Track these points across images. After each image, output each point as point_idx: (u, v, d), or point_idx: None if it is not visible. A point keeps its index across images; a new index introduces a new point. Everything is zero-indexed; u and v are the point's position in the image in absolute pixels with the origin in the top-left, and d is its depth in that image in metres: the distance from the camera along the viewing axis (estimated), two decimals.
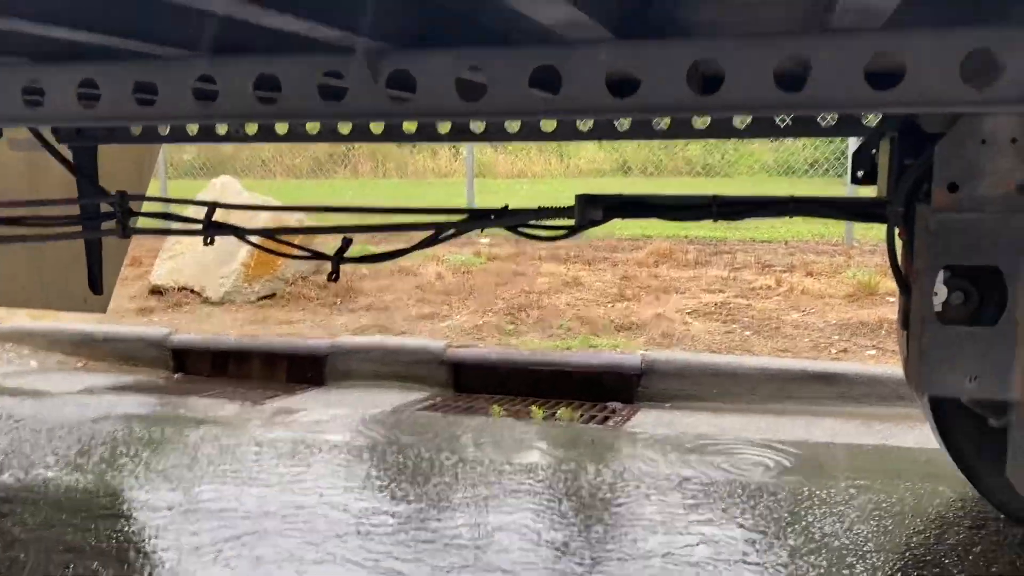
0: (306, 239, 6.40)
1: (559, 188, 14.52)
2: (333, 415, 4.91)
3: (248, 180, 13.56)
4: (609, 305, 6.90)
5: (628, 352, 5.61)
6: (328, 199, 13.07)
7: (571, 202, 1.97)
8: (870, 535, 3.35)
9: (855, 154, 2.73)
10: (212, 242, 2.44)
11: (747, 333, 6.14)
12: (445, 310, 6.69)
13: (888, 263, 1.77)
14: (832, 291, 6.77)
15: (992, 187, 1.40)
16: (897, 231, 1.72)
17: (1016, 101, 1.35)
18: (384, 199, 12.85)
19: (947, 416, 3.13)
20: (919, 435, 3.88)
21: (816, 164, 14.14)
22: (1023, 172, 1.39)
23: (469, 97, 1.58)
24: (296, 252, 2.49)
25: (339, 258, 2.22)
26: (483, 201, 12.19)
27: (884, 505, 3.61)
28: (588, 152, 18.02)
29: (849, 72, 1.40)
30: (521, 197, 12.53)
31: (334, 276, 2.19)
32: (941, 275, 1.51)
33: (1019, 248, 1.40)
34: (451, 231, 2.09)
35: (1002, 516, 3.31)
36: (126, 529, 2.93)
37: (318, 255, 2.38)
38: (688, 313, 6.65)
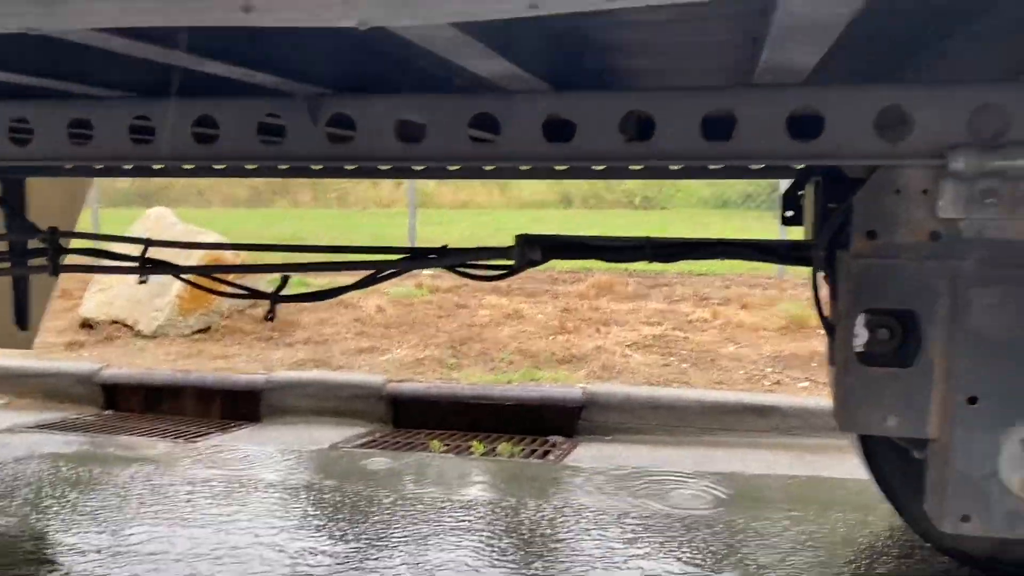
0: (243, 275, 6.31)
1: (502, 220, 14.61)
2: (269, 452, 4.82)
3: (184, 209, 13.32)
4: (551, 338, 6.95)
5: (569, 385, 5.65)
6: (267, 229, 12.92)
7: (512, 235, 1.99)
8: (804, 566, 3.42)
9: (784, 196, 2.82)
10: (146, 281, 2.40)
11: (685, 365, 6.25)
12: (385, 344, 6.65)
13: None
14: (766, 324, 6.94)
15: (907, 235, 1.47)
16: (822, 274, 1.79)
17: (926, 155, 1.43)
18: (324, 230, 12.75)
19: (874, 448, 3.24)
20: (850, 466, 3.98)
21: (751, 197, 14.52)
22: (935, 221, 1.47)
23: (409, 141, 1.60)
24: (232, 290, 2.47)
25: (276, 297, 2.21)
26: (425, 232, 12.19)
27: (817, 536, 3.69)
28: (531, 184, 18.20)
29: (772, 124, 1.47)
30: (463, 228, 12.57)
31: (271, 316, 2.17)
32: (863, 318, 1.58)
33: (933, 293, 1.48)
34: (390, 271, 2.10)
35: (928, 545, 3.42)
36: (52, 575, 2.83)
37: (255, 293, 2.36)
38: (628, 346, 6.73)
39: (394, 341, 6.72)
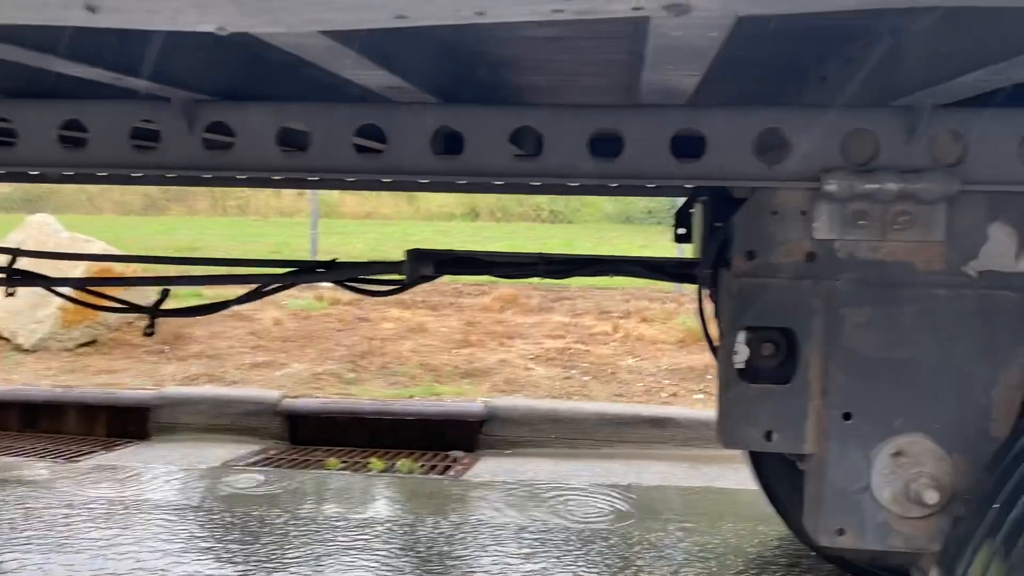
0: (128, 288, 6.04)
1: (408, 231, 14.50)
2: (156, 471, 4.61)
3: (72, 216, 12.70)
4: (454, 351, 6.90)
5: (470, 400, 5.62)
6: (160, 238, 12.44)
7: (417, 247, 1.95)
8: None
9: (677, 213, 2.88)
10: (14, 293, 2.25)
11: (586, 378, 6.30)
12: (282, 358, 6.47)
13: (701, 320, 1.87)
14: (664, 337, 7.08)
15: (785, 255, 1.51)
16: (707, 292, 1.82)
17: (802, 177, 1.47)
18: (222, 240, 12.36)
19: (762, 461, 3.33)
20: (742, 476, 4.09)
21: (652, 212, 14.85)
22: (811, 242, 1.51)
23: (290, 152, 1.55)
24: (110, 304, 2.34)
25: (155, 311, 2.10)
26: (328, 243, 11.96)
27: (709, 546, 3.77)
28: (438, 196, 18.12)
29: (657, 145, 1.48)
30: (368, 240, 12.40)
31: (150, 330, 2.07)
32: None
33: (809, 312, 1.52)
34: (276, 285, 2.03)
35: (813, 553, 3.54)
36: None
37: (133, 307, 2.25)
38: (531, 359, 6.75)
39: (291, 355, 6.55)
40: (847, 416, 1.54)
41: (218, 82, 1.62)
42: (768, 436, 1.57)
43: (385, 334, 7.15)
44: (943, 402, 1.51)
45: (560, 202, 17.71)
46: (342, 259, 2.07)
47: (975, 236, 1.49)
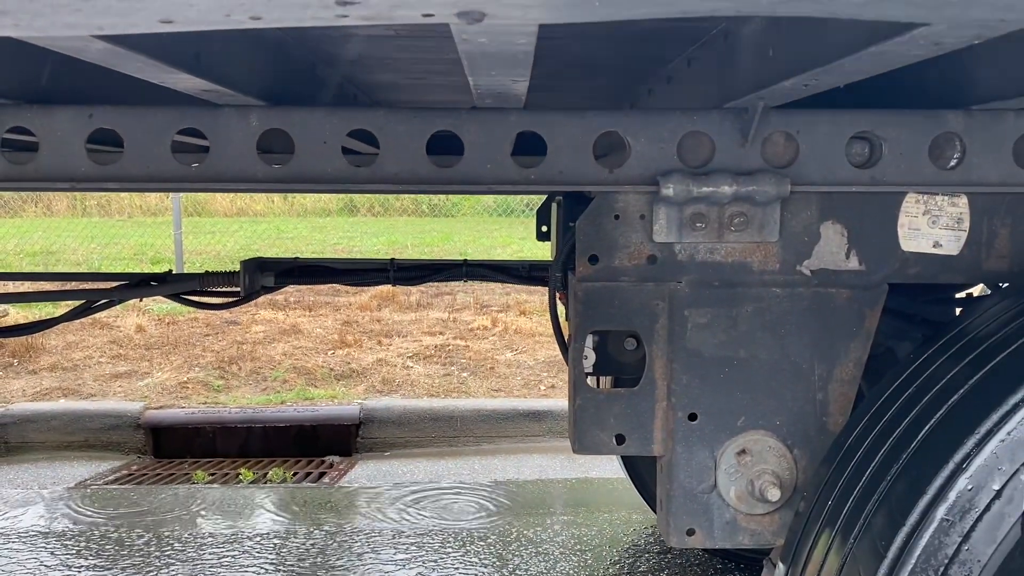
0: None
1: (282, 228, 14.06)
2: (2, 496, 4.28)
3: None
4: (329, 353, 6.73)
5: (346, 403, 5.49)
6: (13, 242, 11.62)
7: (292, 244, 1.85)
8: (572, 571, 3.51)
9: (538, 212, 2.86)
10: None
11: (465, 375, 6.27)
12: (145, 367, 6.14)
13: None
14: (542, 329, 7.12)
15: (626, 259, 1.50)
16: (559, 295, 1.80)
17: (641, 181, 1.46)
18: (80, 242, 11.65)
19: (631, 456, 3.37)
20: (617, 466, 4.15)
21: (531, 206, 14.94)
22: (652, 245, 1.51)
23: (102, 160, 1.42)
24: None
25: None
26: (196, 243, 11.46)
27: (585, 539, 3.81)
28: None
29: (496, 149, 1.44)
30: (239, 239, 11.94)
31: None
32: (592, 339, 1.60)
33: (652, 314, 1.52)
34: (104, 300, 1.88)
35: None
36: None
37: None
38: (409, 357, 6.66)
39: (155, 363, 6.22)
40: (693, 416, 1.54)
41: (22, 86, 1.48)
42: (619, 440, 1.56)
43: (256, 337, 6.89)
44: (782, 399, 1.53)
45: (439, 195, 17.60)
46: (213, 260, 1.94)
47: (808, 236, 1.52)
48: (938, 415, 1.30)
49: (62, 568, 3.52)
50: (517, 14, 0.73)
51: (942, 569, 1.17)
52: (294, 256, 1.88)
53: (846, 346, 1.54)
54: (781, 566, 1.55)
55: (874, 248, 1.53)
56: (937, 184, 1.50)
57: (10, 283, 2.41)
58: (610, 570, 3.53)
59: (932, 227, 1.53)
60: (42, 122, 1.44)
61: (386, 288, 8.73)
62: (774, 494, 1.52)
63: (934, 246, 1.54)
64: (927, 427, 1.30)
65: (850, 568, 1.31)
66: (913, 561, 1.19)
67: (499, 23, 0.73)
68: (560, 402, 5.44)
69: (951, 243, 1.53)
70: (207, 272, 1.84)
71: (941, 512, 1.18)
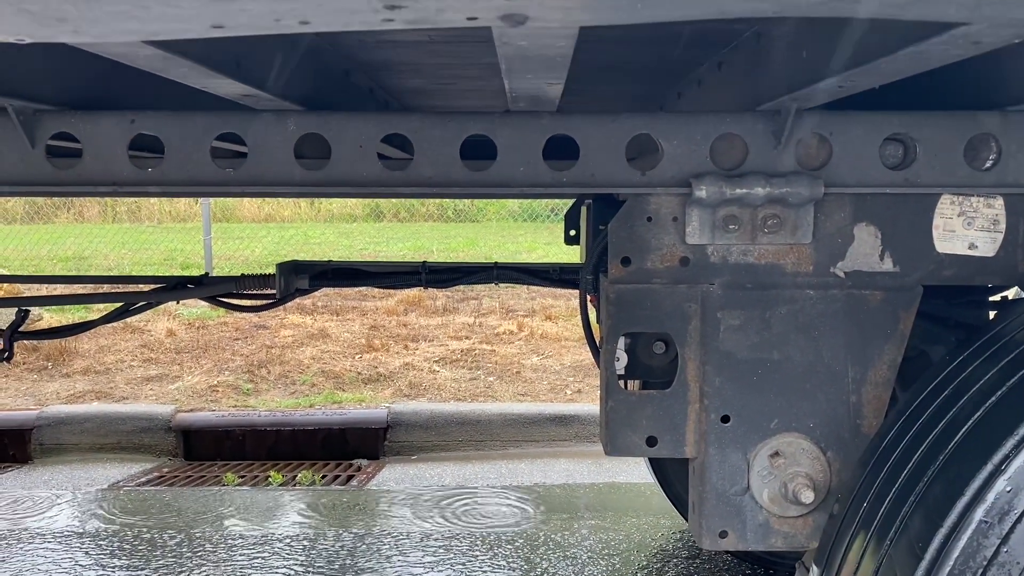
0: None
1: (309, 234, 14.17)
2: (38, 497, 4.35)
3: None
4: (357, 357, 6.77)
5: (374, 406, 5.52)
6: (44, 248, 11.81)
7: (318, 249, 1.88)
8: (600, 575, 3.50)
9: (566, 215, 2.87)
10: None
11: (491, 379, 6.28)
12: (176, 370, 6.22)
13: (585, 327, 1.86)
14: (568, 334, 7.12)
15: (659, 261, 1.51)
16: (589, 298, 1.81)
17: (674, 183, 1.46)
18: (112, 248, 11.82)
19: (660, 458, 3.37)
20: (644, 471, 4.14)
21: (555, 210, 14.95)
22: (685, 247, 1.51)
23: (141, 164, 1.45)
24: None
25: (12, 333, 1.96)
26: (225, 248, 11.58)
27: (613, 543, 3.80)
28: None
29: (529, 152, 1.45)
30: (267, 244, 12.06)
31: (6, 355, 1.92)
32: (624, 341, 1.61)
33: (685, 317, 1.52)
34: (141, 303, 1.92)
35: None
36: None
37: None
38: (436, 361, 6.68)
39: (186, 367, 6.30)
40: (725, 419, 1.54)
41: (65, 92, 1.51)
42: (651, 442, 1.56)
43: (285, 342, 6.96)
44: (816, 401, 1.53)
45: (466, 200, 17.66)
46: (242, 265, 1.97)
47: (842, 238, 1.52)
48: (975, 417, 1.29)
49: (96, 568, 3.57)
50: (559, 16, 0.74)
51: (980, 571, 1.17)
52: (326, 260, 1.91)
53: (880, 348, 1.53)
54: (815, 569, 1.54)
55: (908, 250, 1.53)
56: (972, 185, 1.50)
57: (45, 286, 2.46)
58: (638, 575, 3.52)
59: (967, 229, 1.52)
60: (86, 127, 1.48)
61: (412, 293, 8.78)
62: (807, 496, 1.51)
63: (969, 248, 1.52)
64: (964, 429, 1.30)
65: (886, 570, 1.30)
66: (951, 563, 1.18)
67: (540, 25, 0.74)
68: (587, 407, 5.44)
69: (987, 245, 1.52)
70: (243, 275, 1.87)
71: (979, 514, 1.17)
